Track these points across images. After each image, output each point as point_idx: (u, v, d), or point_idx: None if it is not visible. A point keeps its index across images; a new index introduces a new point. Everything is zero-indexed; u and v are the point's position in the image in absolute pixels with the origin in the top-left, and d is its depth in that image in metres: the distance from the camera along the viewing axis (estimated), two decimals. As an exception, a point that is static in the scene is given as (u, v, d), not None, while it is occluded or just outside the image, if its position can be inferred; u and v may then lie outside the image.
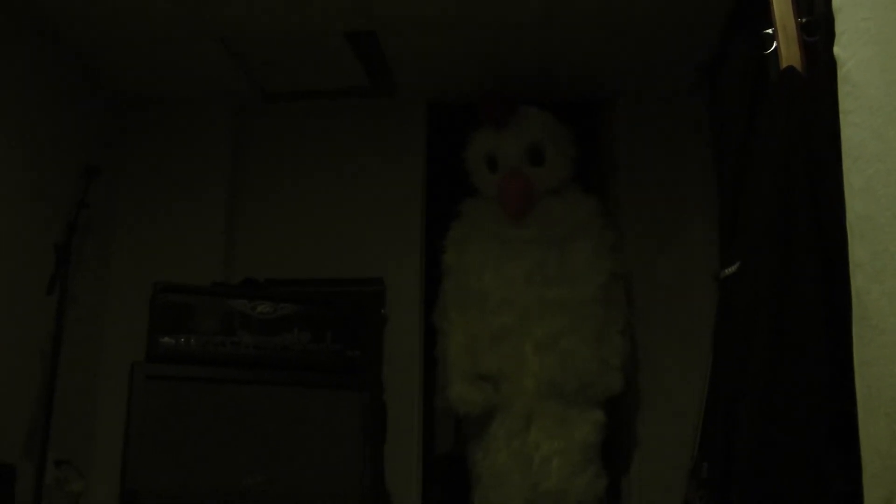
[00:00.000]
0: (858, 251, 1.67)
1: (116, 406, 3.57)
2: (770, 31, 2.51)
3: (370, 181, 4.73)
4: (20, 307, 3.71)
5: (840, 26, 1.87)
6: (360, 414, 3.68)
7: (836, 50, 1.85)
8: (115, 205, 4.57)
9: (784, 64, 2.46)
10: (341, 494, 3.55)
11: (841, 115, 1.77)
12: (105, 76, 4.47)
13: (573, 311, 4.01)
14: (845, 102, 1.75)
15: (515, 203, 4.17)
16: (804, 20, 2.45)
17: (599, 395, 4.01)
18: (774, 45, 2.50)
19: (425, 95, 4.82)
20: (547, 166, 4.24)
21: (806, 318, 2.14)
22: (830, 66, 1.93)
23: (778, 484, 2.20)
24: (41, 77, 3.96)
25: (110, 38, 4.11)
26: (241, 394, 3.55)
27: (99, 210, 4.21)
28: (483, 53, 4.32)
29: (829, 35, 1.96)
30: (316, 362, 3.70)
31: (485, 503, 4.02)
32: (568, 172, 4.31)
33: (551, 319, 3.99)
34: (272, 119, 4.86)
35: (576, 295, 4.04)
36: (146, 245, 4.56)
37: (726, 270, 2.64)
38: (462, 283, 4.20)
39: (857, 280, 1.67)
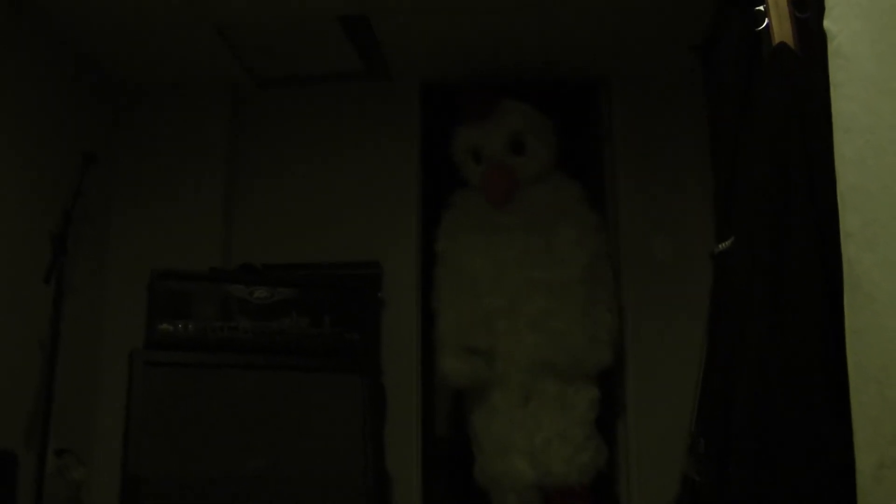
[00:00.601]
0: (850, 221, 1.68)
1: (116, 393, 3.58)
2: (762, 7, 2.52)
3: (365, 164, 4.74)
4: (18, 296, 3.71)
5: (831, 0, 1.88)
6: (360, 397, 3.69)
7: (827, 24, 1.86)
8: (111, 192, 4.57)
9: (776, 40, 2.47)
10: (342, 478, 3.56)
11: (832, 88, 1.78)
12: (99, 64, 4.47)
13: (560, 291, 4.17)
14: (836, 75, 1.76)
15: (497, 192, 4.39)
16: (796, -4, 2.46)
17: (591, 369, 4.20)
18: (766, 21, 2.51)
19: (419, 78, 4.83)
20: (528, 156, 4.42)
21: (801, 290, 2.15)
22: (822, 41, 1.94)
23: (775, 456, 2.22)
24: (36, 64, 3.96)
25: (105, 25, 4.10)
26: (240, 379, 3.56)
27: (95, 198, 4.21)
28: (476, 35, 4.32)
29: (821, 11, 1.97)
30: (314, 346, 3.71)
31: (486, 474, 4.22)
32: (549, 160, 4.47)
33: (540, 299, 4.15)
34: (267, 104, 4.87)
35: (562, 276, 4.19)
36: (143, 232, 4.56)
37: (721, 246, 2.66)
38: (454, 268, 4.37)
39: (849, 249, 1.69)
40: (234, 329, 3.61)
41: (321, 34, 4.23)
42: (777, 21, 2.46)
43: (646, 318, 4.52)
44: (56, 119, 4.11)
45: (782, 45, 2.43)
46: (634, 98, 4.78)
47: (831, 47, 1.80)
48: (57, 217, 3.73)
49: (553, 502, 4.16)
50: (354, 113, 4.83)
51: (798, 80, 2.36)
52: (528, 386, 4.14)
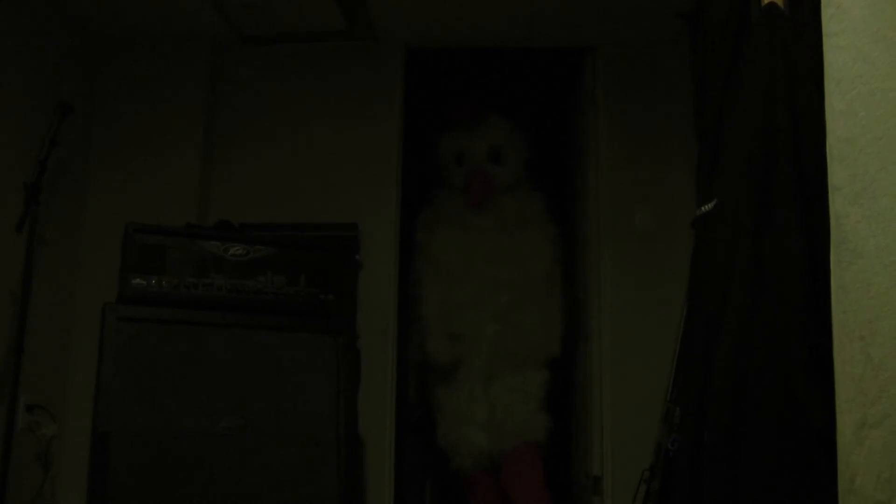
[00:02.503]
0: (838, 174, 1.65)
1: (89, 349, 3.52)
2: (753, -32, 2.49)
3: (347, 126, 4.71)
4: (-11, 245, 3.65)
5: (824, -51, 1.85)
6: (334, 359, 3.65)
7: (821, -27, 1.83)
8: (89, 145, 4.52)
9: (766, 0, 2.44)
10: (315, 438, 3.53)
11: (825, 39, 1.75)
12: (78, 14, 4.38)
13: (521, 288, 4.74)
14: (829, 25, 1.72)
15: (476, 196, 4.89)
16: (786, -44, 2.43)
17: (543, 358, 4.75)
18: (757, -19, 2.48)
19: (403, 42, 4.79)
20: (504, 166, 5.00)
21: (784, 251, 2.13)
22: (811, 2, 1.91)
23: (751, 421, 2.20)
24: (13, 13, 3.88)
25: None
26: (214, 336, 3.50)
27: (72, 150, 4.16)
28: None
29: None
30: (289, 306, 3.66)
31: (447, 440, 4.71)
32: (521, 172, 5.05)
33: (504, 293, 4.70)
34: (249, 61, 4.81)
35: (523, 276, 4.75)
36: (120, 186, 4.50)
37: (703, 208, 2.62)
38: (432, 258, 4.85)
39: (836, 204, 1.66)
40: (209, 286, 3.55)
41: (306, -9, 4.18)
42: (768, -18, 2.44)
43: (625, 287, 4.54)
44: (31, 68, 4.03)
45: (772, 5, 2.41)
46: (620, 66, 4.76)
47: (825, -3, 1.76)
48: (31, 166, 3.67)
49: (505, 470, 4.64)
50: (338, 74, 4.79)
51: (787, 41, 2.33)
52: (490, 368, 4.65)
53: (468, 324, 4.69)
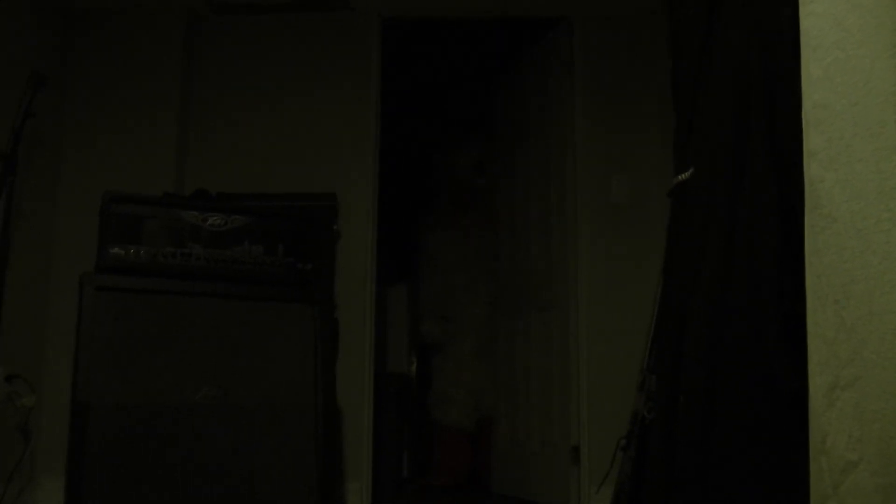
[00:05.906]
0: (814, 139, 1.67)
1: (67, 318, 3.51)
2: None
3: (324, 95, 4.70)
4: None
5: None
6: (312, 327, 3.65)
7: (797, -61, 1.83)
8: (65, 115, 4.51)
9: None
10: (293, 407, 3.54)
11: (801, 6, 1.75)
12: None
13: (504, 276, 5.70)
14: (805, -9, 1.73)
15: (466, 200, 6.11)
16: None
17: None
18: (733, -51, 2.48)
19: (378, 11, 4.78)
20: (486, 175, 6.08)
21: (761, 220, 2.13)
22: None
23: (725, 387, 2.22)
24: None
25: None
26: (192, 306, 3.50)
27: (47, 121, 4.13)
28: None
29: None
30: (267, 275, 3.66)
31: (437, 395, 5.71)
32: (500, 179, 5.89)
33: (490, 282, 5.78)
34: (225, 31, 4.79)
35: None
36: (97, 156, 4.50)
37: (680, 177, 2.63)
38: (432, 254, 6.02)
39: (811, 169, 1.67)
40: (187, 256, 3.54)
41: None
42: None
43: (601, 256, 4.56)
44: (4, 39, 4.00)
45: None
46: (597, 36, 4.76)
47: (801, -37, 1.77)
48: (6, 137, 3.64)
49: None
50: (314, 43, 4.78)
51: (761, 8, 2.33)
52: (478, 343, 5.73)
53: (462, 307, 5.79)
